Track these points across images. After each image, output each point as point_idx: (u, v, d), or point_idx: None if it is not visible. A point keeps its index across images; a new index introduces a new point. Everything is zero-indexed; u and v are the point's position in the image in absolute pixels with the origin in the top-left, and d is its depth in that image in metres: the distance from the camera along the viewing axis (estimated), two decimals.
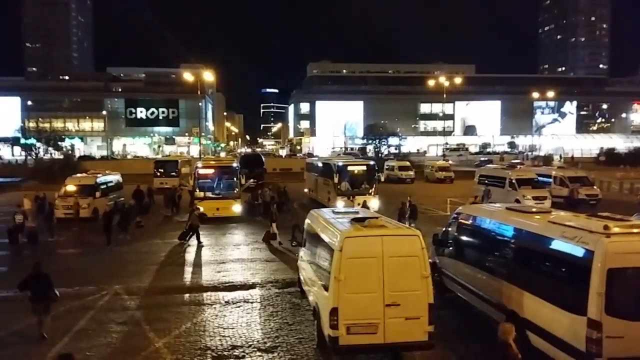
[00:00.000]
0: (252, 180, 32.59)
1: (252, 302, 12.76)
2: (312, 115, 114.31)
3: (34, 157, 61.33)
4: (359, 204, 22.47)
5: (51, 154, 62.19)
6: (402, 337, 8.54)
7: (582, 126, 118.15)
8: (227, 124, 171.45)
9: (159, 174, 40.63)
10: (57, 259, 17.57)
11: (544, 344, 8.63)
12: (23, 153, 67.23)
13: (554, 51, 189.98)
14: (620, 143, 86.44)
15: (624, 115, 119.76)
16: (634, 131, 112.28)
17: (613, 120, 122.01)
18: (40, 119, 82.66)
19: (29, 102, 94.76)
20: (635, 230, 8.07)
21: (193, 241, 20.72)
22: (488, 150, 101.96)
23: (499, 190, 28.81)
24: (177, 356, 9.56)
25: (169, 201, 27.63)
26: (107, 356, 9.60)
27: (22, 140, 73.53)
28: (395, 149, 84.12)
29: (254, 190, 30.56)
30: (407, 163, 51.96)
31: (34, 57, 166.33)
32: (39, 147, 62.25)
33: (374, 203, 24.77)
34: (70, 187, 25.73)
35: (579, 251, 7.99)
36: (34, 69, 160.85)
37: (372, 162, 28.23)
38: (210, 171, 26.52)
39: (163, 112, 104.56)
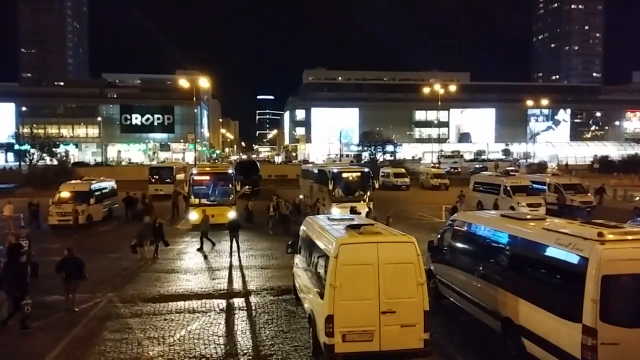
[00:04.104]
0: (247, 187, 32.59)
1: (247, 310, 12.70)
2: (307, 122, 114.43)
3: (28, 164, 60.95)
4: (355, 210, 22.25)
5: (45, 160, 61.87)
6: (397, 345, 8.52)
7: (576, 134, 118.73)
8: (223, 130, 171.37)
9: (153, 180, 40.58)
10: (50, 265, 17.34)
11: (539, 350, 8.63)
12: (17, 159, 66.78)
13: (548, 59, 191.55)
14: (613, 151, 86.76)
15: (617, 123, 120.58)
16: (627, 139, 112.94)
17: (607, 128, 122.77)
18: (34, 124, 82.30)
19: (24, 108, 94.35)
20: (629, 237, 8.08)
21: (189, 248, 20.64)
22: (483, 157, 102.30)
23: (494, 197, 28.93)
24: None
25: (174, 206, 29.21)
26: None
27: (16, 147, 73.08)
28: (391, 155, 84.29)
29: (250, 196, 30.56)
30: (403, 170, 52.19)
31: (29, 63, 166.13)
32: (33, 153, 61.80)
33: (364, 210, 23.64)
34: (65, 194, 25.66)
35: (573, 258, 8.01)
36: (29, 74, 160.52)
37: (366, 169, 28.21)
38: (206, 178, 26.47)
39: (158, 119, 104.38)
